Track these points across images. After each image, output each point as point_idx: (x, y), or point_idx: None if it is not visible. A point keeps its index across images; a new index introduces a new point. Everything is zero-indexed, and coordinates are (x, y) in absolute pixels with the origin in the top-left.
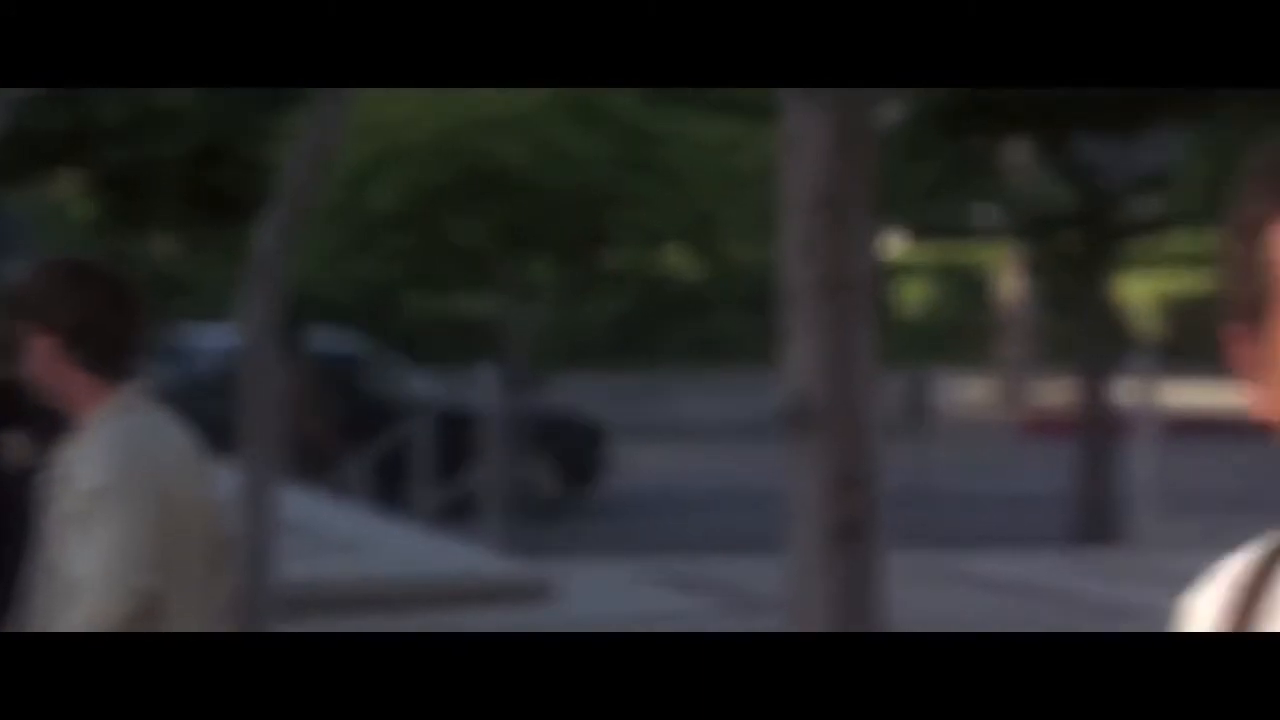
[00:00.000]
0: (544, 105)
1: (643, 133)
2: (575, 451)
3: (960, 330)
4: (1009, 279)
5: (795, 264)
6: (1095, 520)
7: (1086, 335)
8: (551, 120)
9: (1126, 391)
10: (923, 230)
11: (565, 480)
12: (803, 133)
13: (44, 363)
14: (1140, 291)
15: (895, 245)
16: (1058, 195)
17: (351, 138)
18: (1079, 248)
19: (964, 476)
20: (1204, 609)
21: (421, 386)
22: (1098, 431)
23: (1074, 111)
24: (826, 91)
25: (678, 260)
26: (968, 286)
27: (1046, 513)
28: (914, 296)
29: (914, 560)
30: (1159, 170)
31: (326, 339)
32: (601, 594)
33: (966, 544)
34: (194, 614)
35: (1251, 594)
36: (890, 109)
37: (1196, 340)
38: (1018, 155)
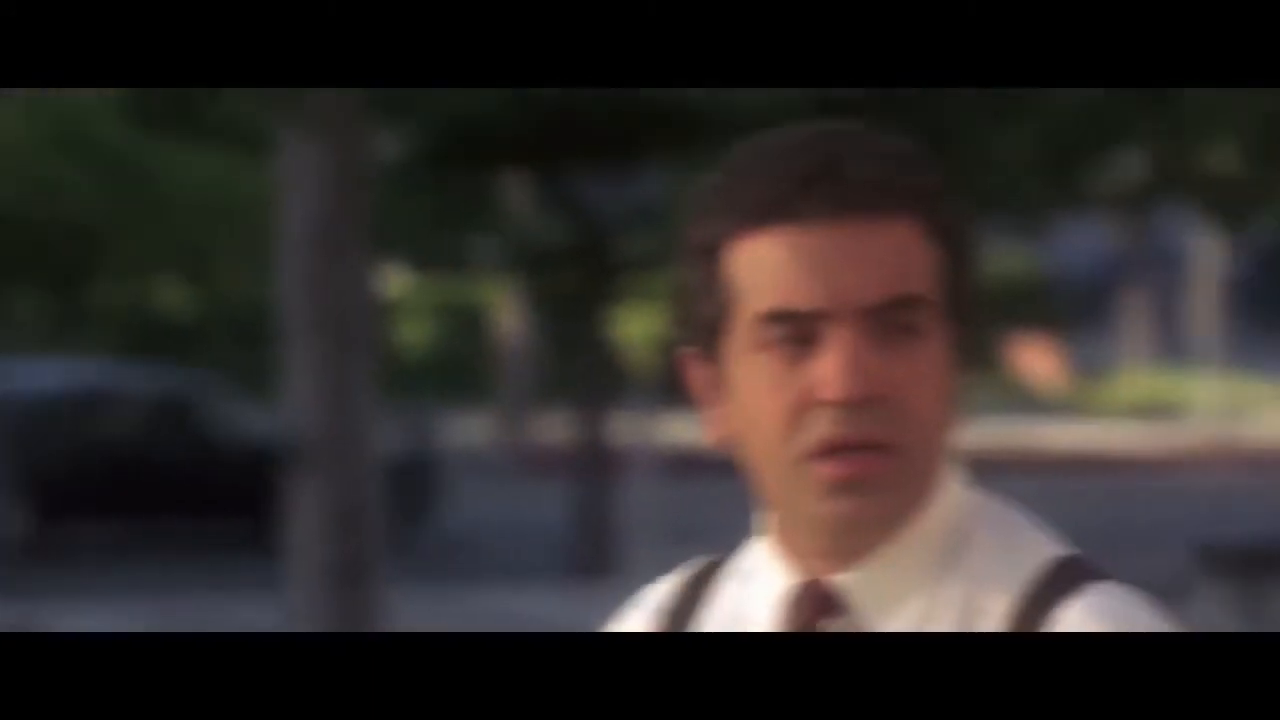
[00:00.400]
0: (30, 136)
1: (132, 164)
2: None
3: (460, 366)
4: (508, 315)
5: (292, 299)
6: (593, 553)
7: (584, 372)
8: (38, 152)
9: (623, 427)
10: (422, 266)
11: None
12: (299, 167)
13: None
14: (637, 329)
15: (396, 282)
16: (555, 231)
17: None
18: (576, 284)
19: (466, 513)
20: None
21: None
22: (595, 467)
23: (568, 147)
24: (323, 128)
25: (168, 293)
26: (467, 323)
27: (546, 546)
28: (414, 333)
29: (415, 596)
30: (653, 205)
31: None
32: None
33: (469, 580)
34: None
35: (677, 620)
36: (387, 144)
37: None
38: (517, 191)
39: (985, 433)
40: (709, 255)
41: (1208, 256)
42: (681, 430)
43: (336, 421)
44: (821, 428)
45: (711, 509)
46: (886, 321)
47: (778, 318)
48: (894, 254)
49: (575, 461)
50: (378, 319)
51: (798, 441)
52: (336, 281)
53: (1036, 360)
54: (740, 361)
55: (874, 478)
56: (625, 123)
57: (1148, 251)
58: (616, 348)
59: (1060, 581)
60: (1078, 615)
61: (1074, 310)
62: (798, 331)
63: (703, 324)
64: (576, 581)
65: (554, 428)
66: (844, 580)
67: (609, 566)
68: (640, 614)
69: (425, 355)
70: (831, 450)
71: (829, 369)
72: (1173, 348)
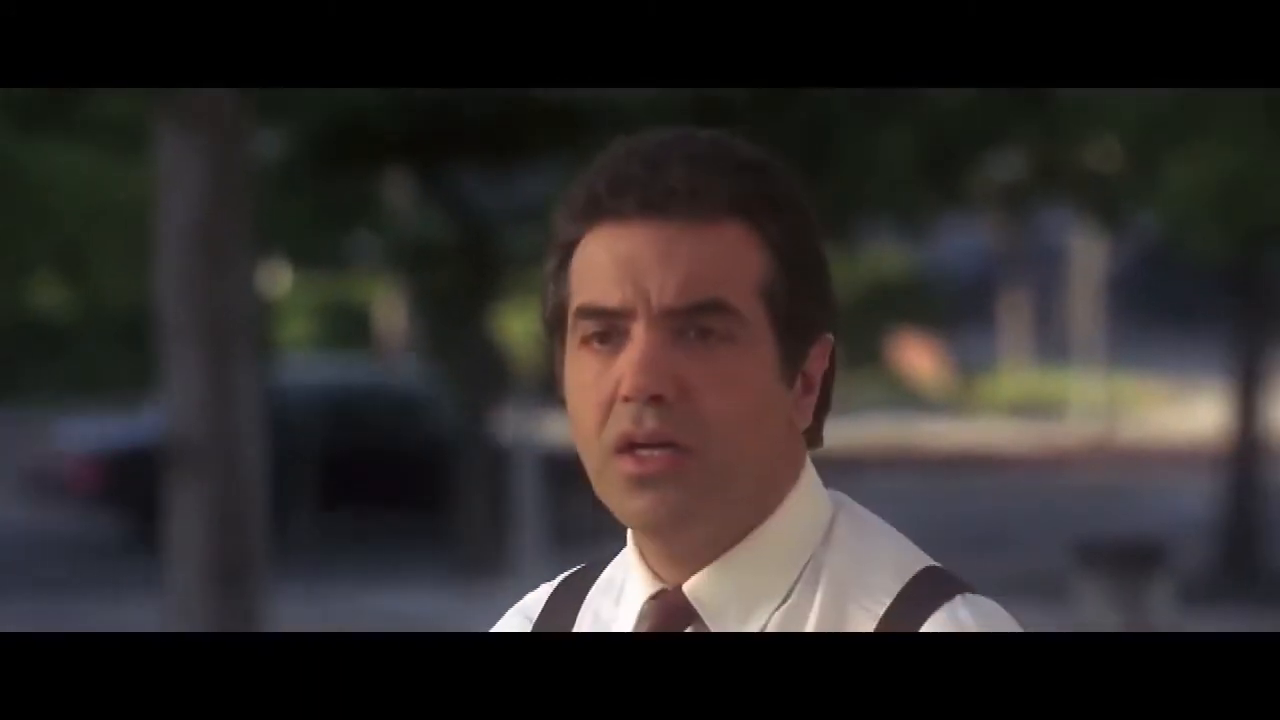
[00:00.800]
0: None
1: (3, 162)
2: None
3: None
4: (391, 312)
5: (172, 300)
6: (480, 554)
7: (468, 370)
8: None
9: (508, 427)
10: (304, 265)
11: None
12: (178, 165)
13: None
14: (520, 327)
15: (278, 281)
16: (437, 228)
17: None
18: (458, 281)
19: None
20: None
21: None
22: (481, 466)
23: (450, 144)
24: (202, 126)
25: (46, 294)
26: (350, 321)
27: (432, 548)
28: (297, 332)
29: (300, 597)
30: (536, 203)
31: None
32: None
33: (357, 581)
34: None
35: (551, 625)
36: (267, 142)
37: None
38: (398, 189)
39: (867, 430)
40: (562, 250)
41: (1087, 255)
42: (564, 429)
43: (218, 422)
44: (621, 423)
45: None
46: (690, 324)
47: (590, 314)
48: (708, 259)
49: (457, 460)
50: (259, 319)
51: (605, 437)
52: (217, 281)
53: (918, 358)
54: (568, 357)
55: (667, 475)
56: (507, 120)
57: (1028, 251)
58: (499, 346)
59: (925, 592)
60: (942, 625)
61: (955, 309)
62: (608, 328)
63: (548, 318)
64: (464, 580)
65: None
66: (690, 586)
67: (498, 565)
68: (514, 620)
69: (307, 353)
70: (630, 446)
71: (626, 365)
72: (1053, 346)
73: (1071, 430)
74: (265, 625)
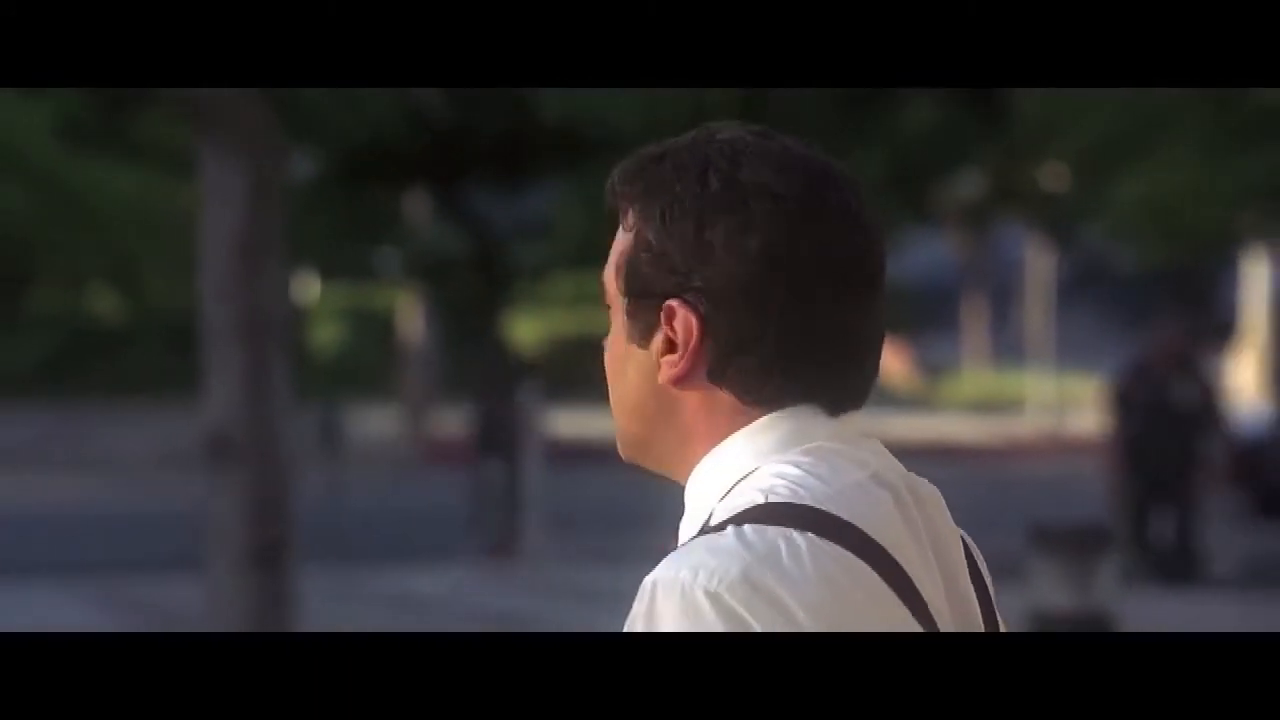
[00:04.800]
0: None
1: (63, 182)
2: None
3: (367, 366)
4: (410, 320)
5: (214, 306)
6: (490, 537)
7: (479, 370)
8: None
9: (516, 420)
10: (332, 275)
11: None
12: (220, 184)
13: None
14: (527, 330)
15: (308, 289)
16: (452, 242)
17: None
18: (471, 290)
19: (373, 500)
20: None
21: None
22: (491, 456)
23: (463, 165)
24: (242, 147)
25: (101, 301)
26: (374, 326)
27: (446, 531)
28: (326, 336)
29: (329, 577)
30: (542, 220)
31: None
32: (29, 613)
33: (377, 562)
34: None
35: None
36: (300, 163)
37: (576, 373)
38: (416, 206)
39: None
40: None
41: (1039, 267)
42: (567, 422)
43: (255, 417)
44: None
45: (592, 494)
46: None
47: None
48: (615, 248)
49: (472, 451)
50: (292, 324)
51: None
52: (254, 289)
53: (888, 359)
54: None
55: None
56: (516, 144)
57: (987, 261)
58: (509, 348)
59: (713, 528)
60: (671, 554)
61: (921, 314)
62: None
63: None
64: (475, 562)
65: (452, 421)
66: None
67: (506, 547)
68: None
69: (335, 357)
70: None
71: None
72: (1009, 348)
73: (1026, 424)
74: (296, 603)
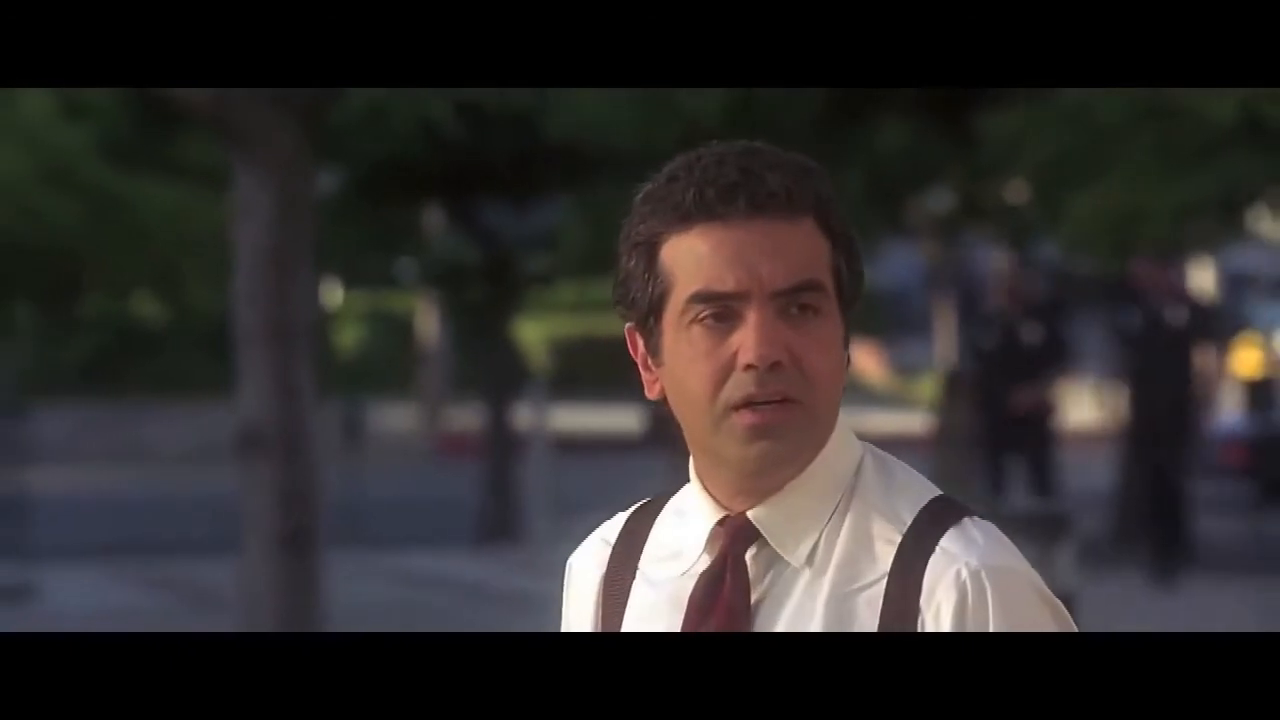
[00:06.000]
0: (23, 173)
1: (110, 197)
2: None
3: (387, 366)
4: (426, 323)
5: (246, 311)
6: (498, 523)
7: (490, 370)
8: (30, 186)
9: (523, 416)
10: (354, 282)
11: None
12: (251, 200)
13: None
14: (534, 333)
15: (333, 295)
16: (465, 252)
17: None
18: (483, 297)
19: (391, 489)
20: (581, 563)
21: None
22: (500, 449)
23: (476, 181)
24: (272, 166)
25: (144, 306)
26: (393, 329)
27: (459, 517)
28: (349, 338)
29: (350, 559)
30: (548, 232)
31: None
32: (79, 592)
33: (395, 546)
34: None
35: (625, 549)
36: (325, 179)
37: (579, 373)
38: (433, 218)
39: None
40: (648, 248)
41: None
42: (570, 418)
43: (284, 413)
44: (745, 387)
45: (594, 484)
46: (793, 302)
47: (704, 298)
48: (799, 248)
49: (483, 445)
50: (318, 327)
51: (722, 398)
52: (283, 296)
53: (865, 360)
54: (673, 334)
55: (783, 425)
56: (524, 162)
57: (956, 270)
58: (517, 350)
59: (938, 517)
60: (955, 540)
61: (896, 319)
62: (721, 310)
63: (641, 304)
64: (485, 546)
65: (465, 417)
66: (756, 514)
67: (512, 534)
68: (596, 543)
69: (357, 357)
70: (750, 404)
71: (748, 339)
72: None
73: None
74: (321, 582)
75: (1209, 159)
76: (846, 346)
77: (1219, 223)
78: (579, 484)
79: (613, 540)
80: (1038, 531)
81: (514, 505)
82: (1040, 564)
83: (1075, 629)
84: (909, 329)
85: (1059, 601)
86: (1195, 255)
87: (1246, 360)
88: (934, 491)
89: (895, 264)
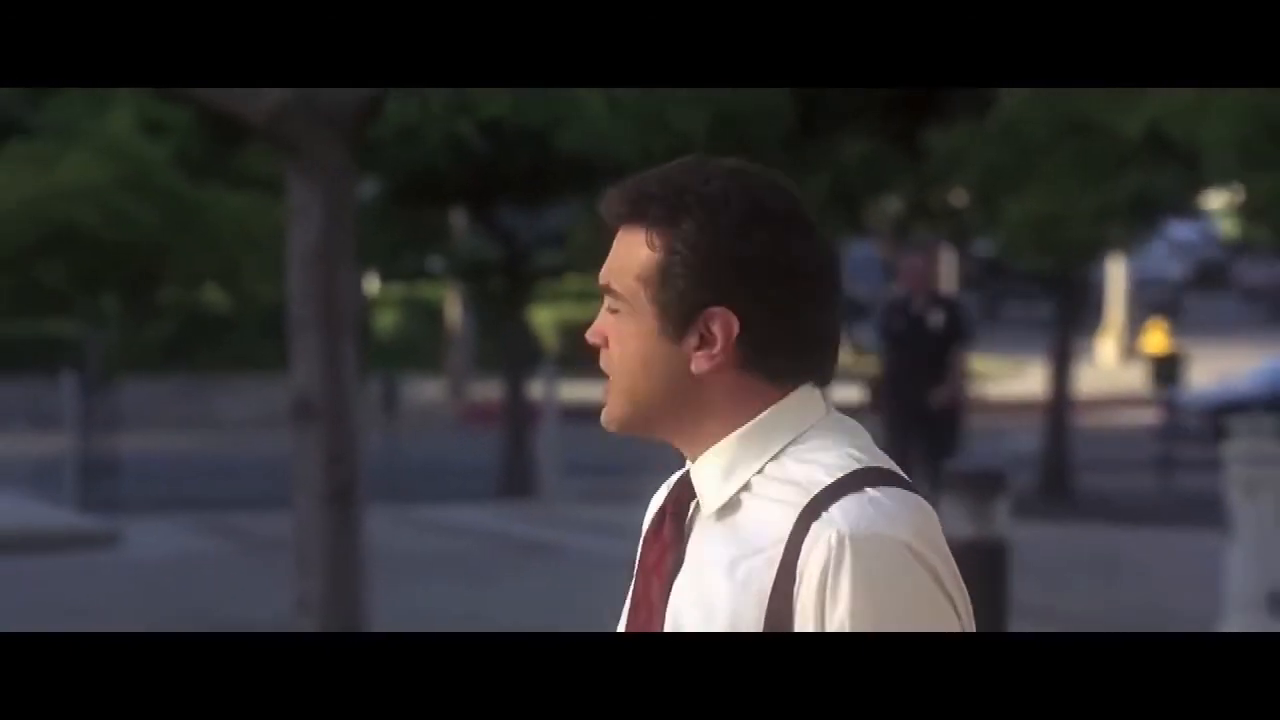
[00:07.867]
0: (107, 179)
1: (184, 201)
2: None
3: (419, 346)
4: (454, 309)
5: (298, 300)
6: (515, 481)
7: (508, 350)
8: (114, 191)
9: (536, 389)
10: (391, 275)
11: None
12: (303, 205)
13: None
14: (546, 318)
15: (373, 285)
16: (487, 250)
17: None
18: (502, 287)
19: (423, 452)
20: (649, 513)
21: None
22: (516, 418)
23: (497, 188)
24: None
25: (213, 296)
26: (424, 315)
27: (481, 477)
28: (386, 321)
29: (388, 512)
30: (559, 232)
31: None
32: (157, 539)
33: (426, 500)
34: None
35: (678, 501)
36: (366, 187)
37: (584, 353)
38: (459, 221)
39: None
40: (611, 233)
41: (950, 268)
42: (576, 391)
43: (331, 387)
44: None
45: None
46: (606, 299)
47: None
48: (618, 255)
49: (502, 414)
50: (360, 313)
51: None
52: (330, 287)
53: None
54: None
55: (608, 395)
56: (539, 170)
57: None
58: (531, 332)
59: (846, 483)
60: (839, 508)
61: (854, 307)
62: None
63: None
64: (505, 502)
65: (487, 390)
66: (691, 467)
67: (528, 491)
68: (654, 501)
69: (393, 338)
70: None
71: None
72: None
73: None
74: (363, 535)
75: (1121, 170)
76: (677, 341)
77: (1132, 226)
78: (585, 449)
79: (659, 504)
80: (976, 488)
81: (529, 466)
82: (980, 515)
83: (957, 595)
84: (865, 316)
85: (947, 568)
86: (1111, 253)
87: (1155, 340)
88: (863, 461)
89: (854, 260)
